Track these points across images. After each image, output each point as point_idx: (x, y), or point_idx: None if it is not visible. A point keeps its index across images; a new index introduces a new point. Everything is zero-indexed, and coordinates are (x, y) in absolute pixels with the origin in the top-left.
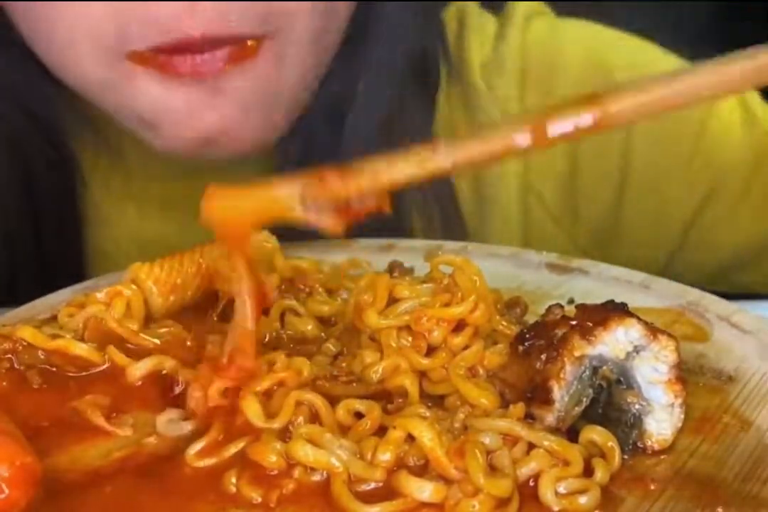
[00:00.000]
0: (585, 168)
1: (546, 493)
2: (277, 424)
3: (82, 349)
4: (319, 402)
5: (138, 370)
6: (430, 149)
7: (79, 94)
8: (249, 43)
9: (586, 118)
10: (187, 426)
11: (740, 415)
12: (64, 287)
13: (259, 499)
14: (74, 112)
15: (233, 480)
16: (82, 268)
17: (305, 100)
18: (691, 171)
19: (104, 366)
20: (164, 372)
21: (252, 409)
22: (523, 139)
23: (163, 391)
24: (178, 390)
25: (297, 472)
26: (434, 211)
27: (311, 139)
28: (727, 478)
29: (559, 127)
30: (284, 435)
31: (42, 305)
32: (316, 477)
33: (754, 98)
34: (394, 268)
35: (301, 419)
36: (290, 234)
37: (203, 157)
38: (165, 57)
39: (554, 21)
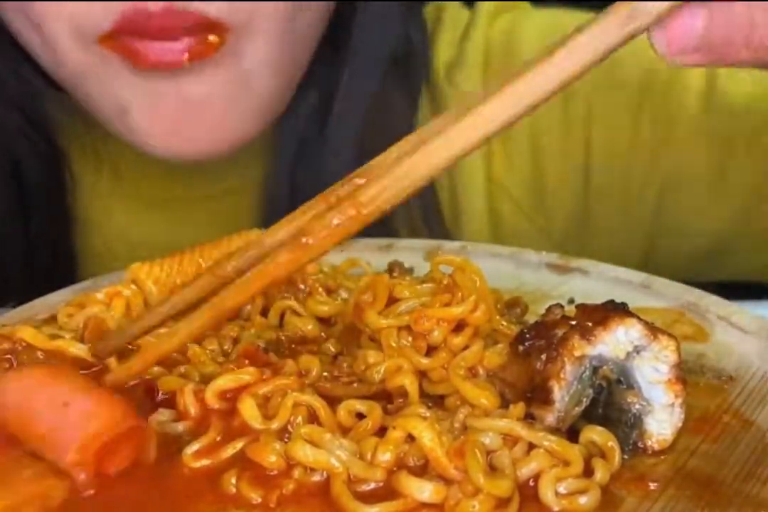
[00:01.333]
0: (549, 163)
1: (546, 493)
2: (273, 426)
3: (80, 350)
4: (317, 403)
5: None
6: None
7: (65, 87)
8: (210, 38)
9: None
10: (179, 427)
11: (740, 415)
12: (55, 286)
13: (259, 500)
14: (63, 111)
15: (233, 480)
16: (73, 268)
17: (284, 100)
18: (650, 155)
19: (101, 366)
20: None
21: (249, 411)
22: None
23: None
24: (159, 397)
25: (297, 472)
26: (415, 207)
27: (298, 138)
28: (728, 478)
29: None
30: (284, 435)
31: (41, 305)
32: (316, 478)
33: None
34: (394, 268)
35: (300, 419)
36: None
37: (179, 155)
38: (130, 41)
39: (519, 13)
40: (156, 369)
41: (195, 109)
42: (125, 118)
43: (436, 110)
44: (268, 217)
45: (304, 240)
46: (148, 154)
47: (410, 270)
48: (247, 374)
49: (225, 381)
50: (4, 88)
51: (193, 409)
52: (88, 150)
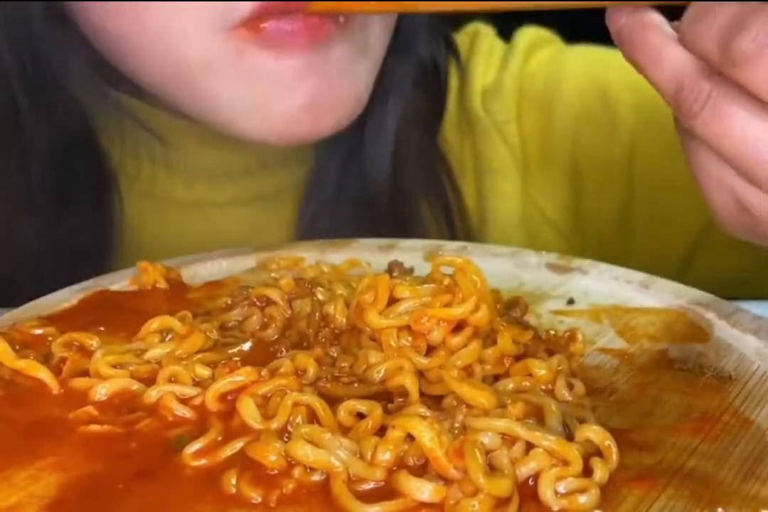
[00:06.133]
0: (589, 188)
1: (546, 493)
2: (273, 426)
3: (45, 375)
4: (317, 404)
5: (103, 389)
6: None
7: (160, 94)
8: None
9: None
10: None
11: (740, 415)
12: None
13: (259, 499)
14: (107, 112)
15: (233, 480)
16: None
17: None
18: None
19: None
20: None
21: (248, 411)
22: None
23: None
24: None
25: (297, 472)
26: (440, 217)
27: (338, 140)
28: (727, 477)
29: None
30: (283, 435)
31: (41, 305)
32: (316, 477)
33: None
34: (394, 268)
35: (299, 419)
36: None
37: (288, 138)
38: (274, 25)
39: (558, 48)
40: (136, 387)
41: (329, 78)
42: (252, 106)
43: (472, 136)
44: (308, 221)
45: None
46: (186, 160)
47: (410, 270)
48: (244, 374)
49: (224, 385)
50: (60, 97)
51: (188, 413)
52: (128, 152)
